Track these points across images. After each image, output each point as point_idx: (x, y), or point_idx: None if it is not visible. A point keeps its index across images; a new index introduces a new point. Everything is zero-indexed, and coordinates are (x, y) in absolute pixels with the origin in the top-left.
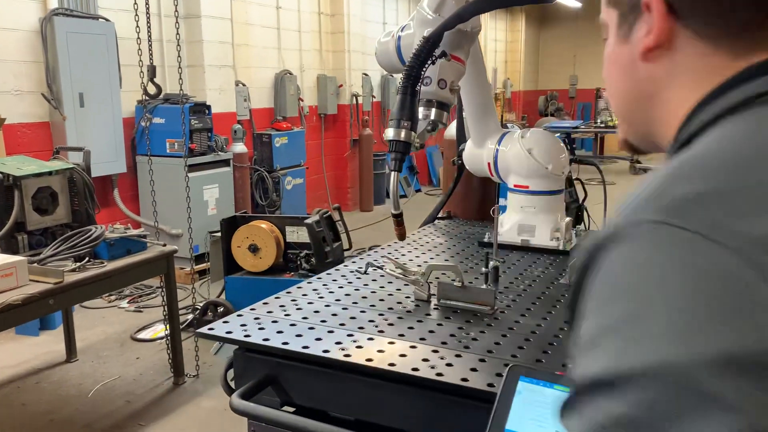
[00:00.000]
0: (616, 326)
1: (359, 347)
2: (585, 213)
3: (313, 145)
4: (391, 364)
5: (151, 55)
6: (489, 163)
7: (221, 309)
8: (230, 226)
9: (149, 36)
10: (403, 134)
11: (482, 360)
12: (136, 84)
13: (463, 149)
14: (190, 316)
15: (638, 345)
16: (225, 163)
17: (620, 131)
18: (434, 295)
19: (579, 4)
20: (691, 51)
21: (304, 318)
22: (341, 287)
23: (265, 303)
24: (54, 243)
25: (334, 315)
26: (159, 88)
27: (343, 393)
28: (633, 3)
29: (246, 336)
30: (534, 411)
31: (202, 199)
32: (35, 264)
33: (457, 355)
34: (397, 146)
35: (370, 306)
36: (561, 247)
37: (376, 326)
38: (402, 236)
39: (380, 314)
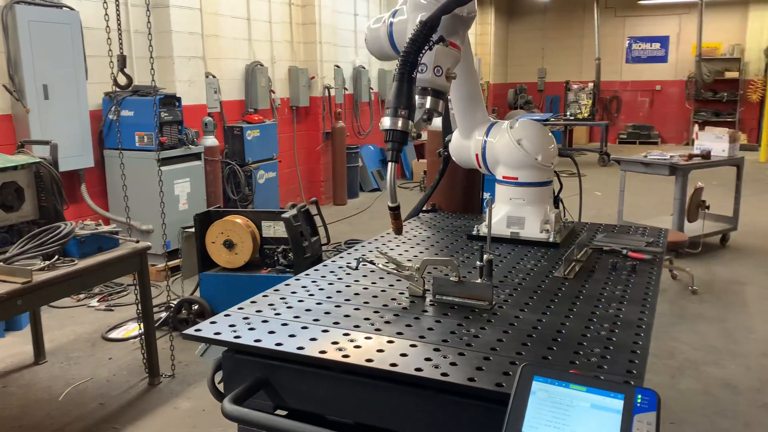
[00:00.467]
0: None
1: (357, 347)
2: (561, 204)
3: (285, 138)
4: (393, 365)
5: (121, 44)
6: (477, 155)
7: (196, 307)
8: (204, 221)
9: (119, 25)
10: (400, 123)
11: (487, 358)
12: (102, 76)
13: (449, 140)
14: (164, 314)
15: None
16: (196, 156)
17: None
18: (429, 290)
19: None
20: None
21: (296, 317)
22: (331, 284)
23: (253, 302)
24: (21, 241)
25: (327, 313)
26: (130, 79)
27: (342, 395)
28: None
29: (236, 337)
30: (550, 413)
31: (173, 193)
32: (1, 263)
33: (461, 354)
34: (394, 136)
35: (364, 303)
36: (551, 240)
37: (373, 324)
38: (399, 230)
39: (375, 311)
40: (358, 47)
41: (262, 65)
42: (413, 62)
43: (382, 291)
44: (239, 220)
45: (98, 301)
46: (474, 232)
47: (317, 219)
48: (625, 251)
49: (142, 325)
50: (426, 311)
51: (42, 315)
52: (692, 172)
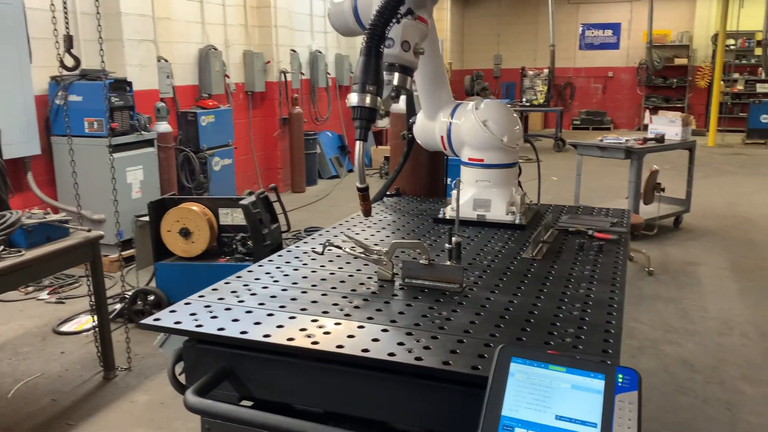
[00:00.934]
0: None
1: (327, 333)
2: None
3: (241, 124)
4: (365, 350)
5: (67, 25)
6: (442, 137)
7: (152, 297)
8: (159, 209)
9: (65, 5)
10: (368, 100)
11: (461, 341)
12: (48, 59)
13: (414, 122)
14: (119, 306)
15: None
16: (148, 143)
17: None
18: (398, 274)
19: None
20: None
21: (261, 304)
22: (297, 270)
23: (214, 289)
24: None
25: (294, 299)
26: (77, 60)
27: (311, 384)
28: None
29: (198, 326)
30: (530, 395)
31: (126, 181)
32: None
33: (434, 337)
34: (362, 113)
35: (332, 288)
36: (517, 221)
37: (341, 310)
38: (367, 212)
39: (343, 297)
40: (315, 31)
41: (216, 49)
42: (381, 35)
43: (350, 276)
44: (195, 207)
45: (49, 293)
46: (440, 216)
47: (277, 206)
48: (590, 232)
49: (95, 317)
50: (396, 295)
51: None
52: (646, 156)
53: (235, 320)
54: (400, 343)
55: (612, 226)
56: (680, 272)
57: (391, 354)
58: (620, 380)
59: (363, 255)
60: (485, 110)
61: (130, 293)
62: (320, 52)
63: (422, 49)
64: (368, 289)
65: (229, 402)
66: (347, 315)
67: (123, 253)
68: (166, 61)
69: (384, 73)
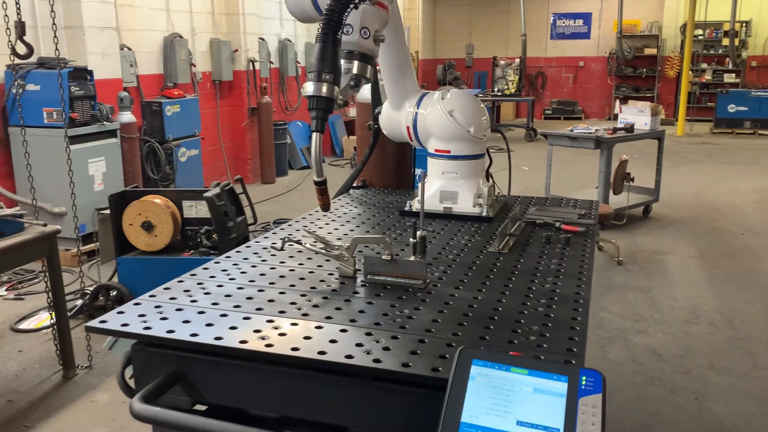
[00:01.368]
0: None
1: (282, 335)
2: (491, 179)
3: (208, 113)
4: (321, 353)
5: (18, 8)
6: (408, 127)
7: (114, 293)
8: (120, 202)
9: None
10: (324, 89)
11: (422, 341)
12: (1, 47)
13: (380, 112)
14: (80, 302)
15: None
16: (111, 133)
17: None
18: (360, 270)
19: None
20: None
21: (214, 304)
22: (254, 266)
23: (166, 288)
24: None
25: (249, 299)
26: (30, 48)
27: (265, 388)
28: None
29: (146, 328)
30: (491, 399)
31: (87, 173)
32: None
33: (394, 337)
34: (318, 103)
35: (290, 286)
36: (484, 214)
37: (299, 309)
38: (326, 206)
39: (302, 295)
40: (284, 19)
41: (181, 37)
42: (338, 21)
43: (310, 272)
44: (158, 200)
45: (6, 289)
46: (406, 208)
47: (243, 198)
48: (558, 224)
49: (53, 314)
50: (357, 292)
51: None
52: (616, 145)
53: (186, 321)
54: (359, 344)
55: (580, 217)
56: (649, 261)
57: (349, 356)
58: (584, 383)
59: (324, 251)
60: (451, 100)
61: (91, 289)
62: (290, 41)
63: (383, 37)
64: (329, 286)
65: (180, 407)
66: (305, 315)
67: (84, 247)
68: (130, 49)
69: (343, 61)
